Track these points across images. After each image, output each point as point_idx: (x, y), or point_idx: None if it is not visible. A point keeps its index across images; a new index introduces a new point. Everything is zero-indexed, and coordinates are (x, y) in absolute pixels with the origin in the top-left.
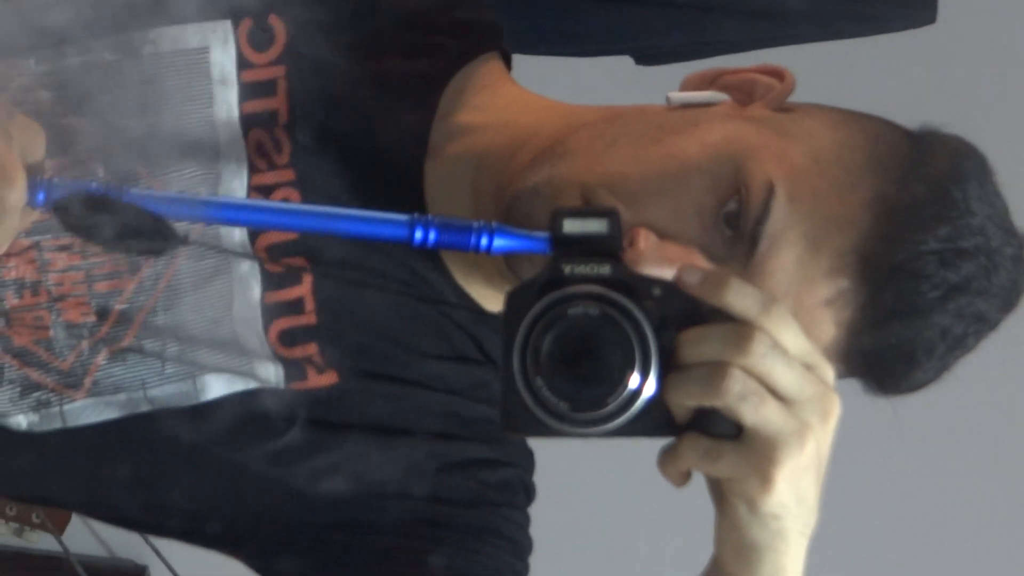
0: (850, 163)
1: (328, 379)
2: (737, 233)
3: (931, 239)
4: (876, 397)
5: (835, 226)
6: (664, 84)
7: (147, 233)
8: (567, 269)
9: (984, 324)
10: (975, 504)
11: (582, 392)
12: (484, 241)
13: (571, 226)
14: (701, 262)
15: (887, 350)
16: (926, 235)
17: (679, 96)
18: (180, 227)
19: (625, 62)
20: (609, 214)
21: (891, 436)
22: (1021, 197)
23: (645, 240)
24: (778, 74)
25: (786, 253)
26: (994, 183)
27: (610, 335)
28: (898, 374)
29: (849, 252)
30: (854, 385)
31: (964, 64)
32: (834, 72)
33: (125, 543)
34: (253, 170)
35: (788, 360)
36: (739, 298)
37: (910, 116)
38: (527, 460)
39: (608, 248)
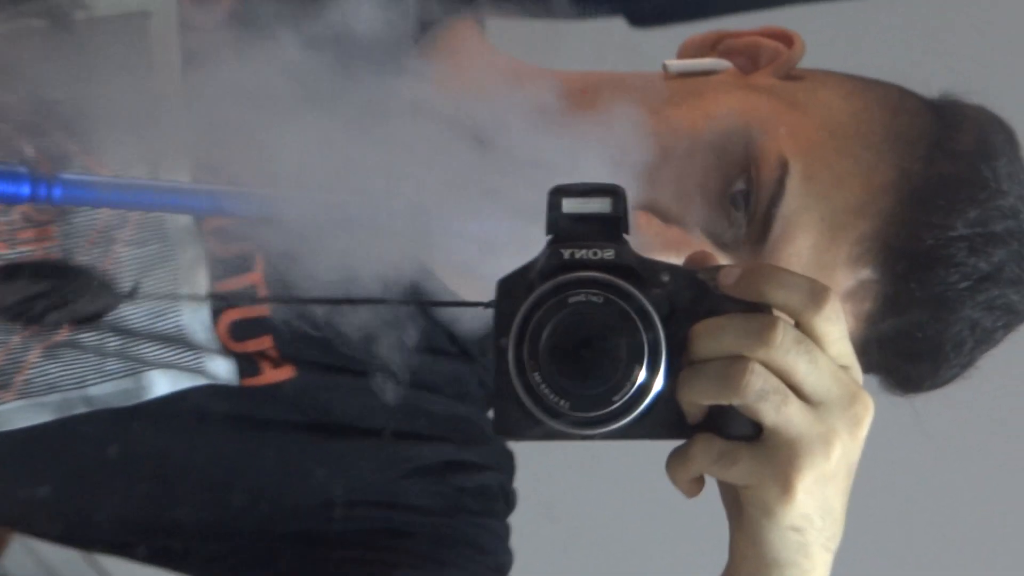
0: (869, 138)
1: (285, 374)
2: (746, 215)
3: (959, 223)
4: (895, 395)
5: (855, 209)
6: (661, 52)
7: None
8: (567, 253)
9: (1015, 316)
10: (1009, 514)
11: (584, 389)
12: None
13: (571, 206)
14: (707, 248)
15: (911, 345)
16: (954, 219)
17: (677, 64)
18: (118, 216)
19: (617, 25)
20: (613, 192)
21: (911, 437)
22: None
23: (646, 224)
24: (785, 38)
25: (802, 238)
26: None
27: (615, 325)
28: (922, 371)
29: (871, 238)
30: (871, 381)
31: (988, 21)
32: (845, 33)
33: (66, 563)
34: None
35: (816, 355)
36: (785, 291)
37: (928, 83)
38: (507, 464)
39: (612, 230)
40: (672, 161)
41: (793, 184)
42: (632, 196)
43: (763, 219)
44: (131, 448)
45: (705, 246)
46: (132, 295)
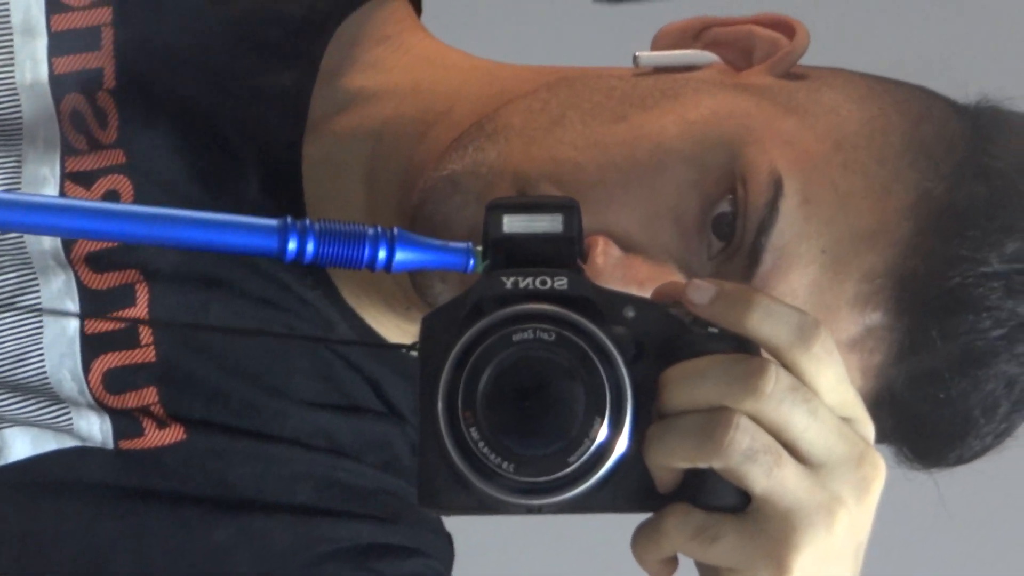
0: (884, 151)
1: (172, 436)
2: (730, 245)
3: (994, 258)
4: (913, 469)
5: (865, 238)
6: (633, 39)
7: None
8: (509, 282)
9: None
10: None
11: (532, 448)
12: (382, 254)
13: (513, 224)
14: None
15: (933, 408)
16: (987, 252)
17: (651, 56)
18: None
19: (579, 2)
20: (565, 208)
21: (932, 519)
22: None
23: (604, 253)
24: (786, 27)
25: (798, 274)
26: None
27: (571, 369)
28: (947, 440)
29: (883, 275)
30: (884, 452)
31: None
32: (860, 21)
33: None
34: (69, 151)
35: (815, 406)
36: (769, 322)
37: (960, 85)
38: (443, 548)
39: (564, 254)
40: (638, 176)
41: (788, 207)
42: (585, 219)
43: (751, 250)
44: None
45: (677, 280)
46: None
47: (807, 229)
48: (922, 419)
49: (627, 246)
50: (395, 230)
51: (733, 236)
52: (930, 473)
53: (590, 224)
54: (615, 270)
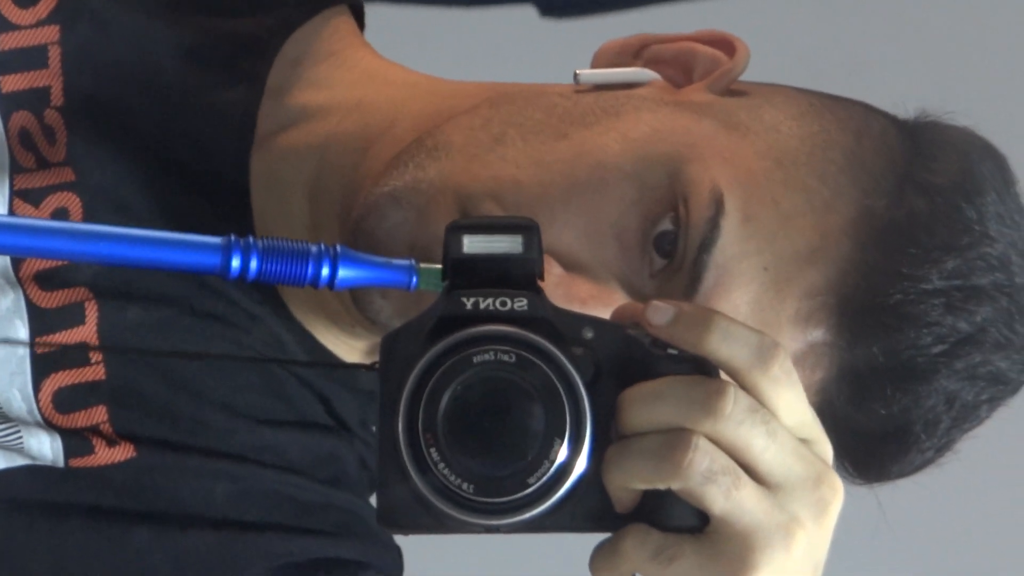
0: (825, 168)
1: (122, 454)
2: (672, 263)
3: (935, 275)
4: (854, 483)
5: (806, 256)
6: (577, 54)
7: None
8: (469, 303)
9: (1004, 387)
10: None
11: (492, 469)
12: (325, 271)
13: (474, 244)
14: (621, 302)
15: (874, 423)
16: (928, 269)
17: (591, 74)
18: None
19: (524, 17)
20: (525, 228)
21: (875, 533)
22: None
23: (546, 272)
24: (725, 44)
25: (740, 292)
26: (1018, 196)
27: (531, 390)
28: (888, 455)
29: (825, 291)
30: None
31: (975, 27)
32: (798, 35)
33: None
34: (17, 169)
35: (773, 428)
36: (727, 344)
37: (901, 100)
38: (392, 562)
39: (524, 275)
40: (579, 194)
41: (730, 225)
42: None
43: (692, 268)
44: None
45: (619, 299)
46: None
47: (748, 247)
48: (863, 434)
49: (568, 264)
50: (338, 247)
51: (675, 254)
52: (871, 487)
53: None
54: (556, 288)
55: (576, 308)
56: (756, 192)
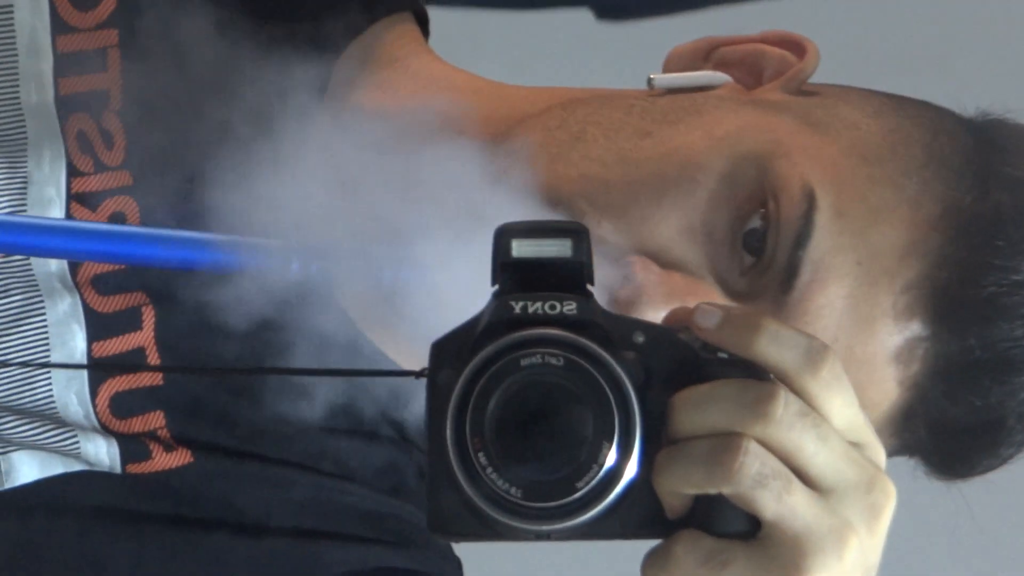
0: (908, 163)
1: (179, 459)
2: (761, 261)
3: None
4: (938, 479)
5: (897, 250)
6: (642, 63)
7: None
8: (517, 307)
9: None
10: None
11: (540, 474)
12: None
13: (522, 248)
14: (718, 299)
15: (969, 416)
16: (1020, 261)
17: (665, 78)
18: None
19: (582, 22)
20: (574, 232)
21: (945, 532)
22: None
23: (645, 270)
24: (795, 45)
25: (835, 287)
26: None
27: (580, 394)
28: (979, 448)
29: (918, 286)
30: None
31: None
32: (857, 38)
33: None
34: (74, 172)
35: (825, 431)
36: (776, 347)
37: (959, 100)
38: (452, 572)
39: (573, 278)
40: (670, 193)
41: (823, 220)
42: (620, 238)
43: (787, 264)
44: None
45: (715, 296)
46: None
47: (842, 242)
48: (956, 428)
49: (665, 263)
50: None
51: (764, 251)
52: (950, 485)
53: (625, 241)
54: (658, 287)
55: (677, 302)
56: (845, 188)
